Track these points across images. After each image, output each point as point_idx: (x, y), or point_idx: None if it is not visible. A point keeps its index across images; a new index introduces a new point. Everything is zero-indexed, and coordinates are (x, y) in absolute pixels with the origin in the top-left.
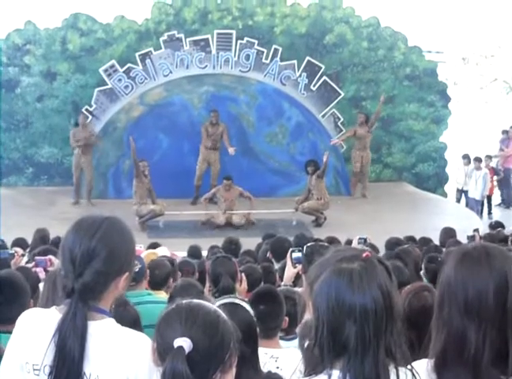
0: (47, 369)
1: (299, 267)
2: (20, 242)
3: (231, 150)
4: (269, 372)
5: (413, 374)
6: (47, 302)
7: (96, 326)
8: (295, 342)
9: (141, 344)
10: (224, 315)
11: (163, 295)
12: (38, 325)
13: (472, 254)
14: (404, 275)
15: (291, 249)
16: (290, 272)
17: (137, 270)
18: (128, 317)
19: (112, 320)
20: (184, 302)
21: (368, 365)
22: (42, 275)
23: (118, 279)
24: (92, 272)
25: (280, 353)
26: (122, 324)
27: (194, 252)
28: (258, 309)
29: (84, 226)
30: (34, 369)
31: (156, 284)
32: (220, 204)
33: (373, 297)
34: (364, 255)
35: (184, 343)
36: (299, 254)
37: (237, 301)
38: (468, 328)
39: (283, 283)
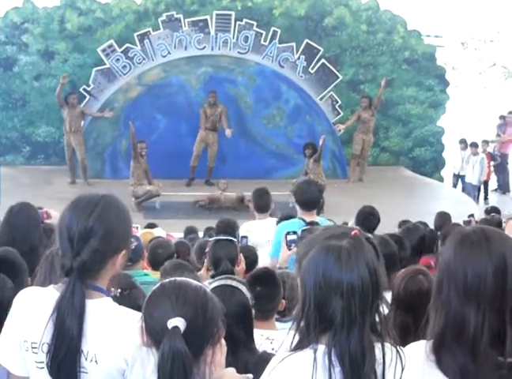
0: (46, 347)
1: (294, 249)
2: None
3: (228, 132)
4: (264, 352)
5: (397, 351)
6: (45, 281)
7: (93, 304)
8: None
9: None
10: (208, 290)
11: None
12: (36, 304)
13: (472, 237)
14: (391, 247)
15: (285, 232)
16: (285, 254)
17: (133, 248)
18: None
19: (109, 299)
20: (168, 280)
21: (354, 340)
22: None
23: (116, 257)
24: (90, 251)
25: (276, 334)
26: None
27: (191, 233)
28: (255, 291)
29: (81, 205)
30: (32, 347)
31: (158, 264)
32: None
33: (360, 274)
34: (353, 233)
35: (179, 322)
36: (294, 236)
37: (234, 283)
38: (467, 310)
39: (278, 265)
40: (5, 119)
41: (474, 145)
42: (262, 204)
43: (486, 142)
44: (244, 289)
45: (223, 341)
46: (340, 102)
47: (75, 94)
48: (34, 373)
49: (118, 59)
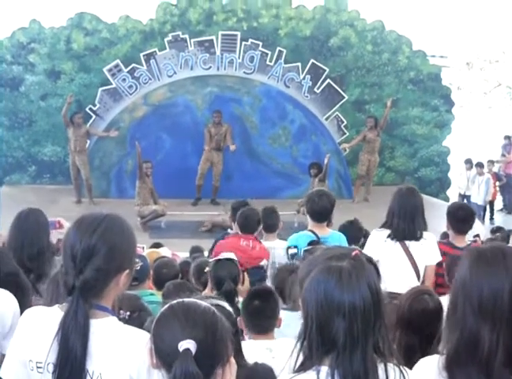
0: (51, 367)
1: (297, 262)
2: None
3: (232, 147)
4: (255, 363)
5: (401, 371)
6: (51, 302)
7: (98, 324)
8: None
9: (143, 342)
10: (217, 311)
11: None
12: (41, 323)
13: (488, 254)
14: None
15: (287, 246)
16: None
17: (138, 268)
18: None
19: (114, 318)
20: (177, 302)
21: (357, 361)
22: (52, 236)
23: (119, 276)
24: (93, 269)
25: (274, 344)
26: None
27: (196, 252)
28: (254, 305)
29: (85, 223)
30: (37, 367)
31: (162, 283)
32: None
33: (362, 294)
34: (353, 254)
35: (190, 344)
36: (295, 250)
37: (214, 301)
38: (482, 328)
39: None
40: (11, 138)
41: (479, 165)
42: (270, 223)
43: (491, 162)
44: (226, 304)
45: (232, 360)
46: (345, 122)
47: (80, 113)
48: None
49: (124, 79)
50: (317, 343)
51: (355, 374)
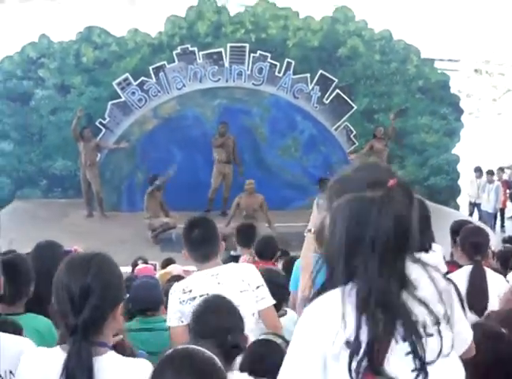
0: None
1: (324, 213)
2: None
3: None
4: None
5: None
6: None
7: (101, 361)
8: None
9: (144, 370)
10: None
11: None
12: (43, 365)
13: None
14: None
15: (317, 196)
16: (315, 217)
17: (152, 297)
18: None
19: (114, 353)
20: (177, 350)
21: (382, 284)
22: None
23: (115, 310)
24: (91, 308)
25: (219, 270)
26: None
27: None
28: (193, 234)
29: (76, 264)
30: None
31: None
32: (241, 212)
33: (393, 225)
34: (390, 183)
35: None
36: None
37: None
38: None
39: (307, 229)
40: (22, 153)
41: (490, 173)
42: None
43: (501, 169)
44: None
45: None
46: (354, 132)
47: (89, 128)
48: None
49: (133, 92)
50: (341, 269)
51: (381, 292)
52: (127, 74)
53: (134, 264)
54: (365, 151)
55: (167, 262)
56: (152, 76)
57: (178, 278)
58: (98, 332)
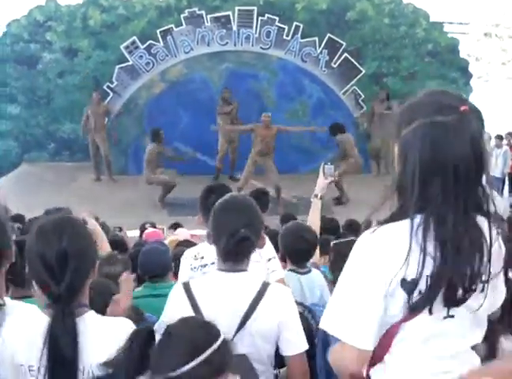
0: (43, 370)
1: (331, 178)
2: (18, 218)
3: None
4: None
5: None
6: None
7: (82, 321)
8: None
9: (125, 328)
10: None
11: None
12: (27, 329)
13: None
14: None
15: (323, 162)
16: (322, 182)
17: (161, 261)
18: None
19: (93, 312)
20: (173, 325)
21: (455, 214)
22: None
23: (93, 270)
24: (71, 274)
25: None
26: None
27: None
28: (210, 199)
29: (48, 230)
30: (30, 371)
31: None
32: (255, 145)
33: (465, 150)
34: (462, 108)
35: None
36: (332, 167)
37: None
38: None
39: (314, 193)
40: (29, 117)
41: (498, 137)
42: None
43: (510, 134)
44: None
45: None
46: (363, 96)
47: (98, 91)
48: None
49: (141, 56)
50: (414, 197)
51: (452, 224)
52: (135, 37)
53: (142, 228)
54: (370, 114)
55: (175, 226)
56: (160, 39)
57: (187, 243)
58: (78, 294)
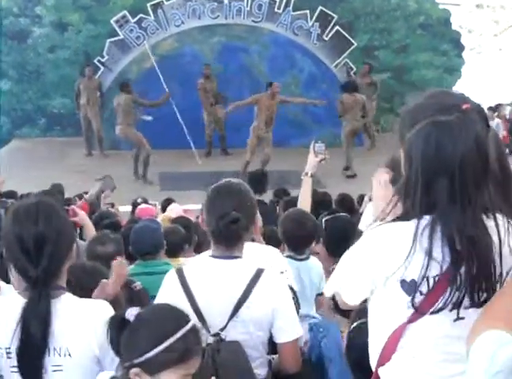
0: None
1: (321, 156)
2: (10, 195)
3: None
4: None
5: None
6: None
7: (57, 303)
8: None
9: (102, 311)
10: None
11: (180, 262)
12: (4, 311)
13: None
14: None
15: (313, 141)
16: (313, 160)
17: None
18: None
19: (69, 294)
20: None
21: (462, 215)
22: None
23: (70, 253)
24: (48, 256)
25: None
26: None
27: None
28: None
29: (24, 213)
30: (7, 353)
31: (171, 252)
32: (259, 115)
33: (470, 150)
34: (464, 107)
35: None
36: (322, 145)
37: None
38: None
39: (305, 171)
40: (20, 92)
41: (490, 109)
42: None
43: (502, 106)
44: None
45: None
46: (354, 69)
47: (90, 66)
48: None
49: (131, 30)
50: (420, 199)
51: (459, 226)
52: (125, 11)
53: (134, 204)
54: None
55: (167, 202)
56: (151, 13)
57: (182, 219)
58: (55, 277)
